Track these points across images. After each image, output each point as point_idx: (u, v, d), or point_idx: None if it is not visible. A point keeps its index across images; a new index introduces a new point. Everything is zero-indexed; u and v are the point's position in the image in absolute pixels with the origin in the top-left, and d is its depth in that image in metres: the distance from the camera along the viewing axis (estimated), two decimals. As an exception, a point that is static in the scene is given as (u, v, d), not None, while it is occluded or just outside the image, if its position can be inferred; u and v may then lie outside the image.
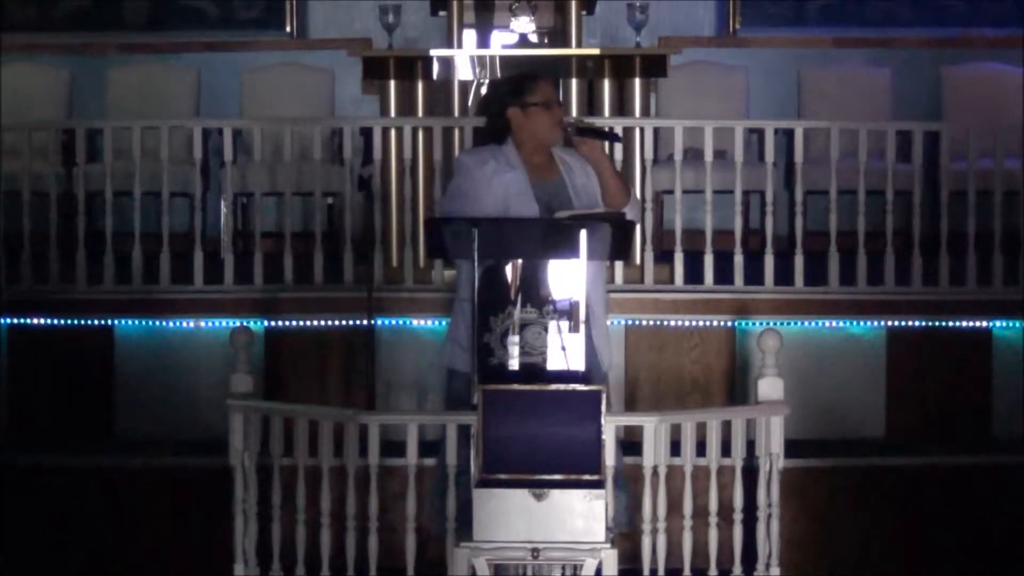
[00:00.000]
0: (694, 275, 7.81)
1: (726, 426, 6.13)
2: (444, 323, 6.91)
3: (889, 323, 7.90)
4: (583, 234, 5.35)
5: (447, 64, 8.01)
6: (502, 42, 8.34)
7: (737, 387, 7.80)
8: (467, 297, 5.76)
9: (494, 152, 5.86)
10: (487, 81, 7.89)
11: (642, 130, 7.87)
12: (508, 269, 5.50)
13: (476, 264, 5.37)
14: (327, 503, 6.13)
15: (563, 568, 5.32)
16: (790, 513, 6.76)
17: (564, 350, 5.41)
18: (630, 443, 6.46)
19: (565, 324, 5.43)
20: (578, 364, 5.40)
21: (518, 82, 5.95)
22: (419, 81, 7.99)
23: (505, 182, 5.76)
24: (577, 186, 5.82)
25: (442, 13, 8.38)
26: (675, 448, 6.07)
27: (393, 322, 7.68)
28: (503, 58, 8.06)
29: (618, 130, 7.77)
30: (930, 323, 7.86)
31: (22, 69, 9.23)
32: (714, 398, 7.79)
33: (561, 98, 7.97)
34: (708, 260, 7.78)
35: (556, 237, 5.43)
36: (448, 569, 5.61)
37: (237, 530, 6.22)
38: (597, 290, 5.74)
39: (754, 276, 7.80)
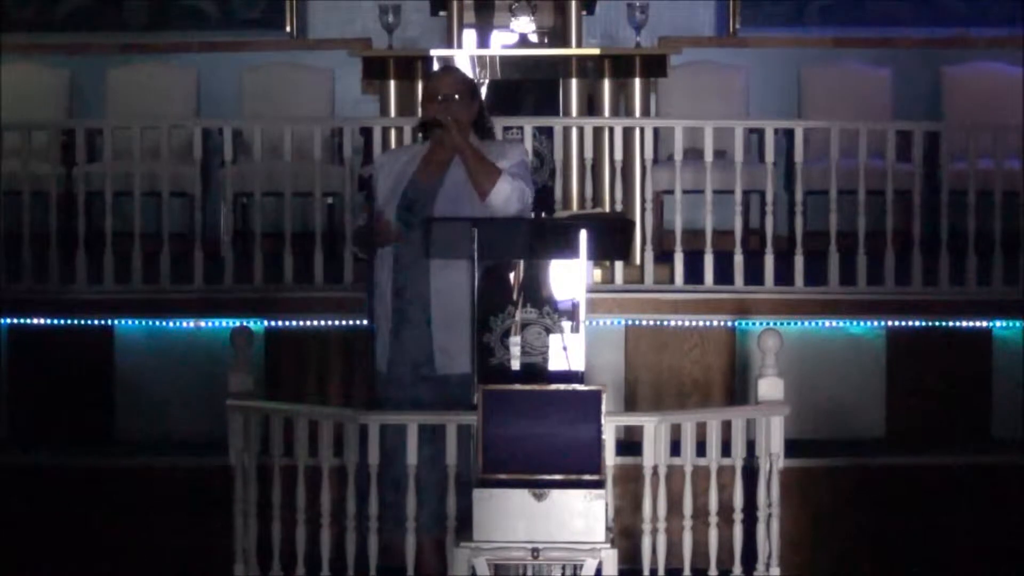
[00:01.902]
0: (694, 275, 7.81)
1: (726, 426, 6.13)
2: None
3: (889, 323, 7.90)
4: (583, 234, 5.36)
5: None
6: (502, 42, 8.34)
7: (737, 387, 7.80)
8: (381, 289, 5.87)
9: (403, 151, 6.13)
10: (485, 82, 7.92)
11: (642, 130, 7.87)
12: (508, 269, 5.51)
13: (476, 264, 5.38)
14: (327, 503, 6.13)
15: (563, 568, 5.31)
16: (790, 513, 6.76)
17: (565, 350, 5.42)
18: (630, 443, 6.46)
19: (566, 324, 5.44)
20: (578, 364, 5.40)
21: (430, 76, 6.14)
22: (419, 81, 7.99)
23: (393, 180, 5.90)
24: (455, 185, 5.79)
25: (442, 13, 8.39)
26: (675, 448, 6.07)
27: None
28: (503, 58, 8.06)
29: (618, 131, 7.84)
30: (930, 323, 7.86)
31: (22, 69, 9.23)
32: (714, 398, 7.79)
33: (561, 98, 8.03)
34: (708, 260, 7.78)
35: (556, 237, 5.44)
36: (448, 569, 5.61)
37: (237, 530, 6.22)
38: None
39: (754, 276, 7.80)
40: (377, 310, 5.92)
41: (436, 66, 7.97)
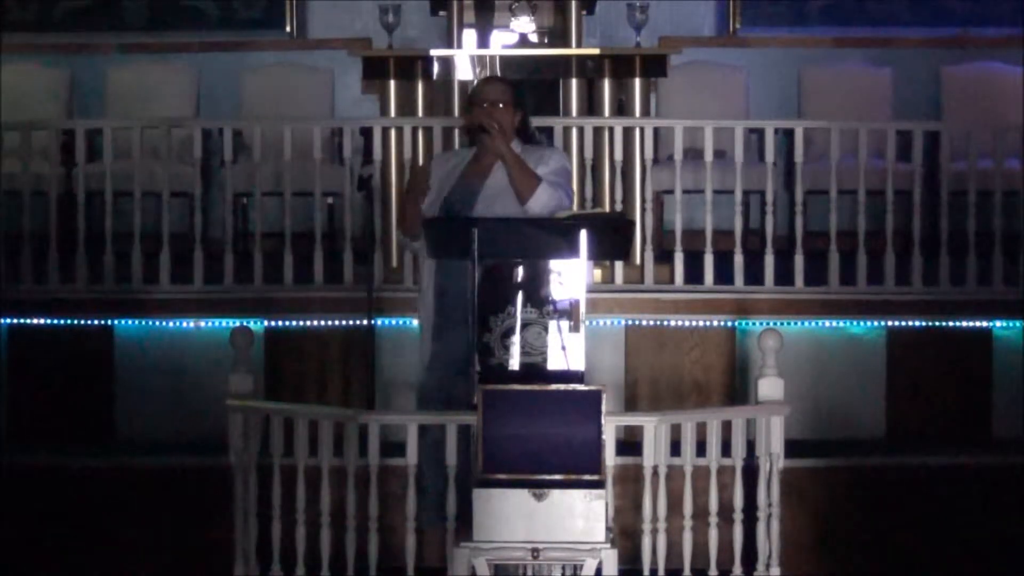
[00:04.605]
0: (694, 275, 7.81)
1: (726, 426, 6.13)
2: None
3: (889, 323, 7.90)
4: (583, 234, 5.36)
5: (447, 64, 8.01)
6: (502, 42, 8.34)
7: (737, 387, 7.80)
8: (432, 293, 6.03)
9: (453, 154, 6.32)
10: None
11: (642, 130, 7.87)
12: (508, 269, 5.52)
13: (476, 264, 5.39)
14: (327, 503, 6.13)
15: (563, 568, 5.32)
16: (790, 513, 6.76)
17: (564, 350, 5.42)
18: (630, 443, 6.46)
19: (565, 324, 5.44)
20: (578, 364, 5.40)
21: (476, 85, 6.40)
22: (419, 81, 8.00)
23: (440, 181, 6.12)
24: (496, 187, 6.00)
25: (442, 13, 8.39)
26: (675, 448, 6.07)
27: (393, 322, 7.68)
28: (503, 58, 8.06)
29: (618, 131, 7.84)
30: (930, 323, 7.86)
31: (22, 69, 9.22)
32: (714, 398, 7.79)
33: (561, 98, 8.03)
34: (708, 260, 7.78)
35: (556, 237, 5.45)
36: (448, 569, 5.61)
37: (237, 530, 6.22)
38: None
39: (754, 276, 7.81)
40: (420, 310, 6.12)
41: (436, 66, 7.99)
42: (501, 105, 6.06)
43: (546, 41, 8.35)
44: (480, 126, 5.98)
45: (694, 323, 7.83)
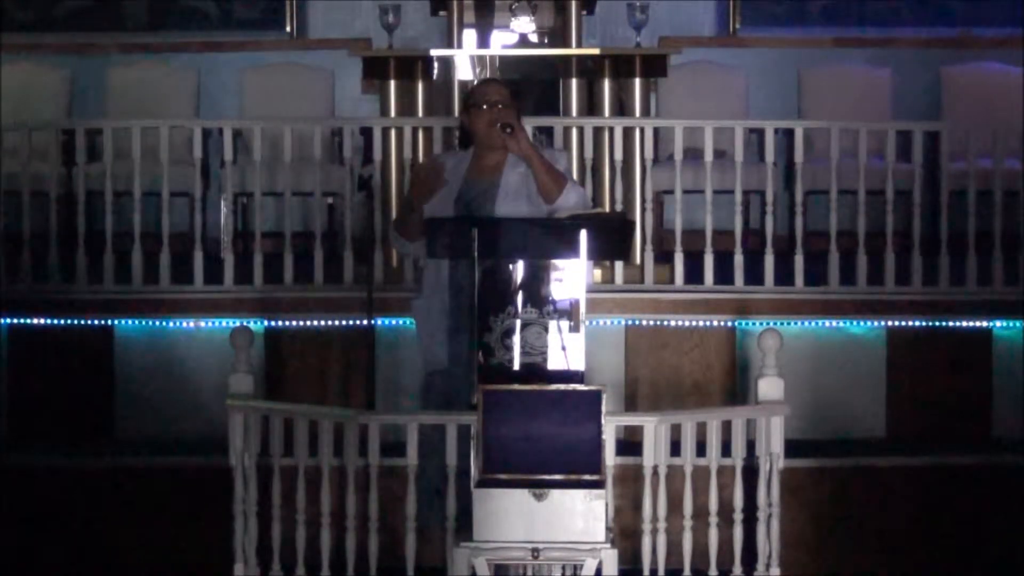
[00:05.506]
0: (694, 275, 7.81)
1: (726, 426, 6.13)
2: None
3: (889, 323, 7.90)
4: (583, 234, 5.36)
5: (447, 64, 8.01)
6: (502, 42, 8.35)
7: (737, 387, 7.81)
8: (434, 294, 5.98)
9: (447, 156, 6.21)
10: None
11: (642, 130, 7.87)
12: (508, 269, 5.51)
13: (476, 264, 5.39)
14: (327, 503, 6.13)
15: (563, 568, 5.32)
16: (790, 513, 6.76)
17: (564, 350, 5.42)
18: (630, 443, 6.46)
19: (565, 324, 5.44)
20: (578, 364, 5.40)
21: (473, 87, 6.26)
22: (419, 81, 8.00)
23: (448, 184, 5.99)
24: (510, 185, 5.94)
25: (442, 13, 8.39)
26: (675, 448, 6.07)
27: (393, 322, 7.68)
28: (503, 58, 8.06)
29: (618, 131, 7.84)
30: (930, 323, 7.86)
31: (22, 69, 9.23)
32: (714, 398, 7.79)
33: (561, 98, 8.03)
34: (708, 260, 7.78)
35: (556, 237, 5.45)
36: (448, 569, 5.61)
37: (237, 530, 6.23)
38: None
39: (754, 276, 7.81)
40: (431, 310, 6.01)
41: (436, 66, 7.99)
42: (502, 106, 5.99)
43: (546, 41, 8.35)
44: (505, 125, 5.90)
45: (694, 323, 7.83)
